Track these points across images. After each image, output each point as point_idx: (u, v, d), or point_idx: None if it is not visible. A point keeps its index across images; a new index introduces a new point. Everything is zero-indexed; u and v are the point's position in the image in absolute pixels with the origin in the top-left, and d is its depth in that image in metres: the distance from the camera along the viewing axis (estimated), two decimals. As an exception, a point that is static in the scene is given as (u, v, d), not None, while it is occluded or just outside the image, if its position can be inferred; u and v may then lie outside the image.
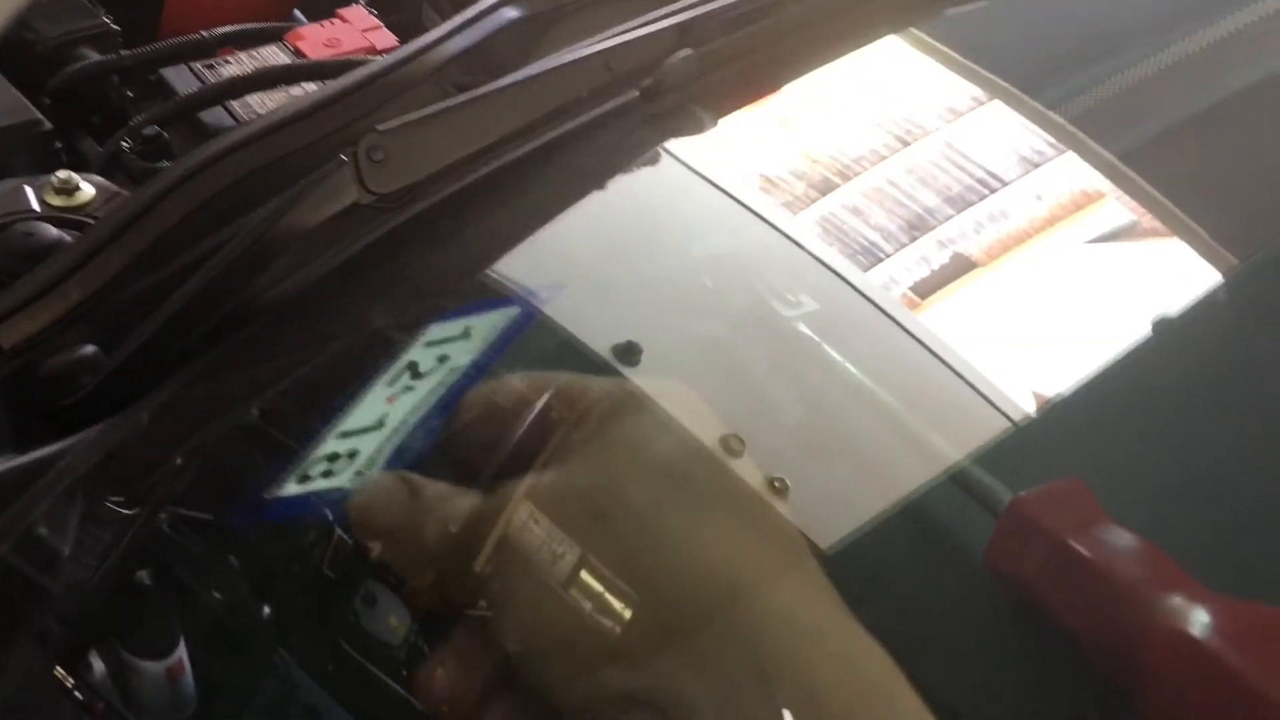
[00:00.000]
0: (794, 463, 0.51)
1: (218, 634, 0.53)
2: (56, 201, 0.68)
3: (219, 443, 0.57)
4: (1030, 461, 0.55)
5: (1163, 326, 0.59)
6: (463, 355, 0.53)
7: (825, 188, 0.69)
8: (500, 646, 0.41)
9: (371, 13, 0.92)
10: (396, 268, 0.62)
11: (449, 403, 0.50)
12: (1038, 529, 0.52)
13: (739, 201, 0.67)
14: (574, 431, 0.43)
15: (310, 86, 0.84)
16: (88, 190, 0.69)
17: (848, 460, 0.55)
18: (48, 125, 0.80)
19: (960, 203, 0.68)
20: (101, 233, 0.61)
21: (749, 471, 0.46)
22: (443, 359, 0.52)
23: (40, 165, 0.77)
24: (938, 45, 0.78)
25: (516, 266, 0.61)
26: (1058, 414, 0.55)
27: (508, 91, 0.63)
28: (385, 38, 0.90)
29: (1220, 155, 0.72)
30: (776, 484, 0.48)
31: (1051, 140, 0.72)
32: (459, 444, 0.46)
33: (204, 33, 0.88)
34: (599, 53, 0.65)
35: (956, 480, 0.53)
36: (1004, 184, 0.69)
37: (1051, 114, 0.73)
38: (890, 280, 0.62)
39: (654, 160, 0.68)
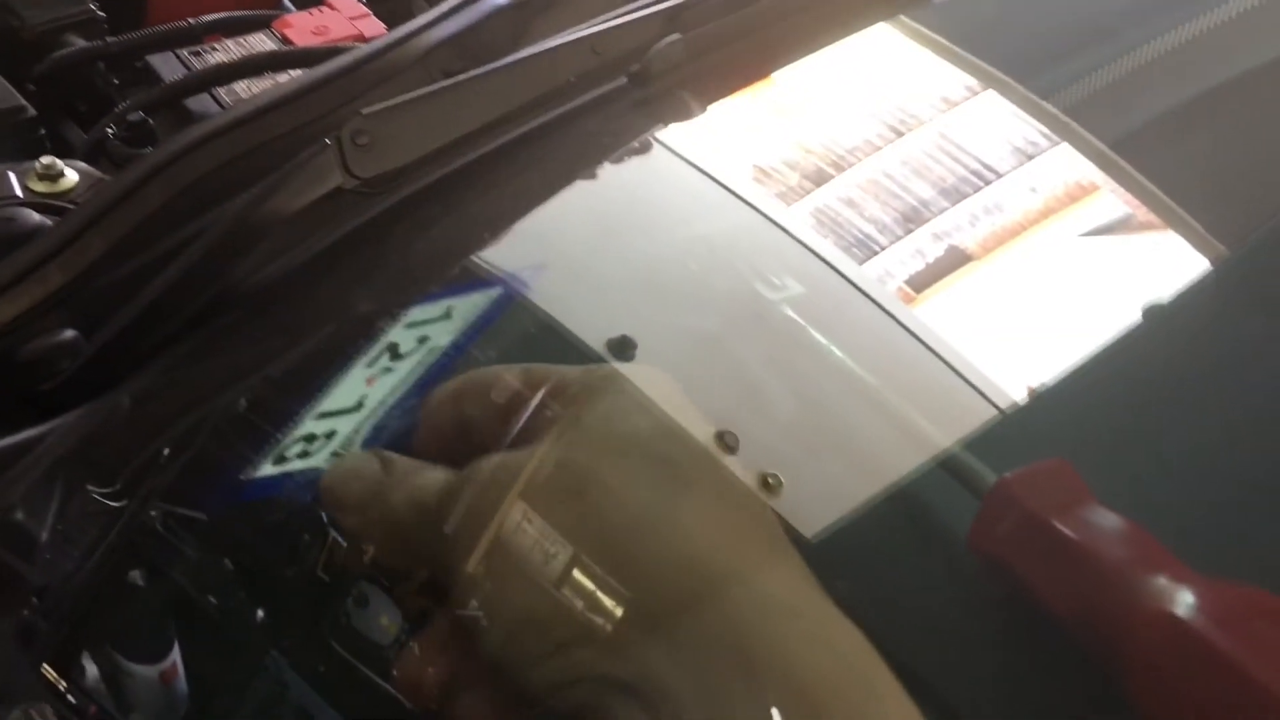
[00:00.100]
0: (788, 458, 0.51)
1: (211, 637, 0.53)
2: (39, 187, 0.68)
3: (199, 427, 0.56)
4: (1020, 446, 0.55)
5: (1153, 313, 0.59)
6: (443, 336, 0.52)
7: (819, 179, 0.68)
8: (475, 630, 0.41)
9: (360, 0, 0.92)
10: (380, 253, 0.61)
11: (427, 383, 0.50)
12: (1022, 509, 0.51)
13: (733, 193, 0.66)
14: (549, 412, 0.43)
15: (297, 74, 0.83)
16: (71, 176, 0.69)
17: (842, 455, 0.55)
18: (32, 112, 0.79)
19: (955, 195, 0.67)
20: (82, 217, 0.60)
21: (743, 467, 0.46)
22: (423, 340, 0.52)
23: (25, 151, 0.76)
24: (931, 35, 0.78)
25: (503, 253, 0.60)
26: (1048, 399, 0.55)
27: (493, 76, 0.62)
28: (374, 25, 0.89)
29: (1213, 144, 0.72)
30: (770, 480, 0.47)
31: (1046, 131, 0.71)
32: (433, 432, 0.46)
33: (190, 20, 0.87)
34: (585, 37, 0.65)
35: (945, 466, 0.53)
36: (999, 176, 0.69)
37: (1045, 104, 0.72)
38: (885, 274, 0.62)
39: (647, 150, 0.68)
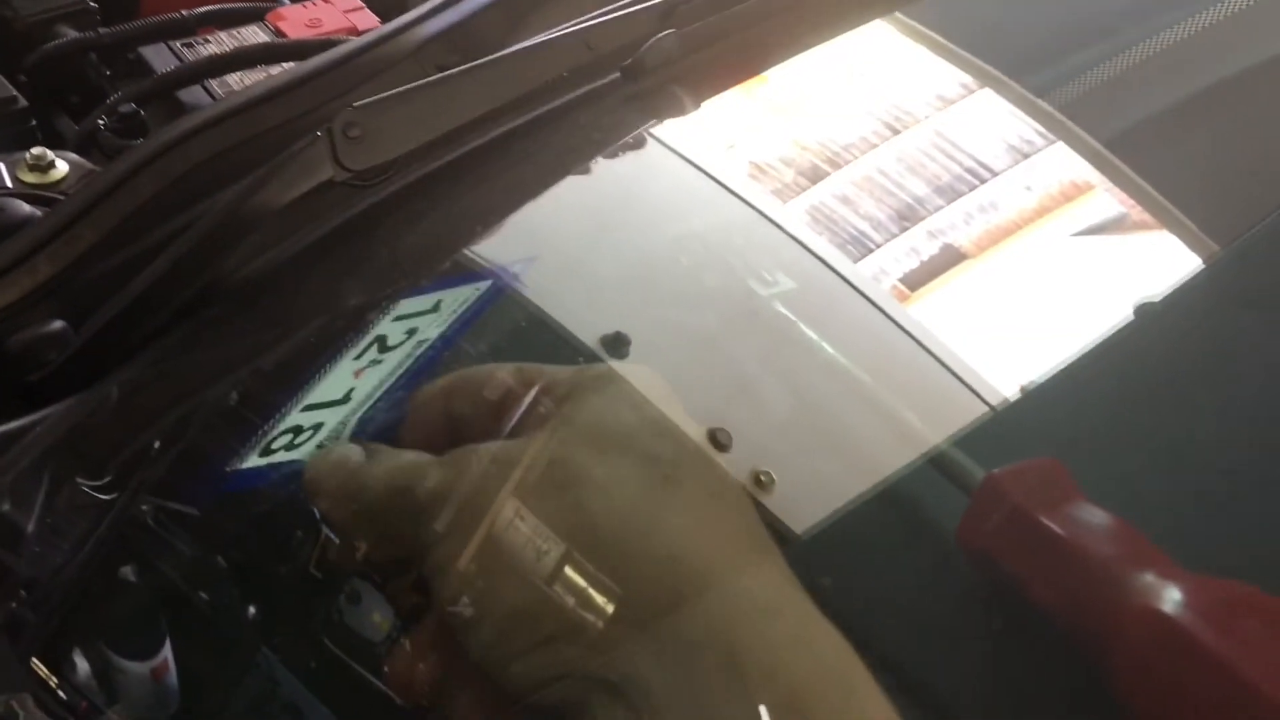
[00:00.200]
0: (781, 455, 0.51)
1: (203, 633, 0.53)
2: (30, 178, 0.68)
3: (187, 419, 0.56)
4: (1011, 444, 0.55)
5: (1145, 310, 0.59)
6: (431, 328, 0.52)
7: (815, 176, 0.68)
8: (459, 624, 0.41)
9: (354, -7, 0.92)
10: (371, 246, 0.61)
11: (415, 376, 0.50)
12: (1011, 506, 0.51)
13: (728, 189, 0.66)
14: (538, 409, 0.43)
15: (290, 66, 0.83)
16: (62, 167, 0.68)
17: (836, 453, 0.55)
18: (23, 102, 0.79)
19: (950, 193, 0.67)
20: (72, 208, 0.60)
21: (734, 464, 0.46)
22: (411, 332, 0.52)
23: (16, 142, 0.76)
24: (927, 32, 0.78)
25: (494, 247, 0.60)
26: (1039, 396, 0.55)
27: (486, 70, 0.62)
28: (367, 18, 0.89)
29: (1207, 143, 0.72)
30: (762, 477, 0.47)
31: (1041, 130, 0.71)
32: (420, 427, 0.46)
33: (183, 11, 0.87)
34: (579, 31, 0.65)
35: (935, 463, 0.53)
36: (994, 174, 0.69)
37: (1041, 102, 0.72)
38: (880, 271, 0.62)
39: (642, 146, 0.68)
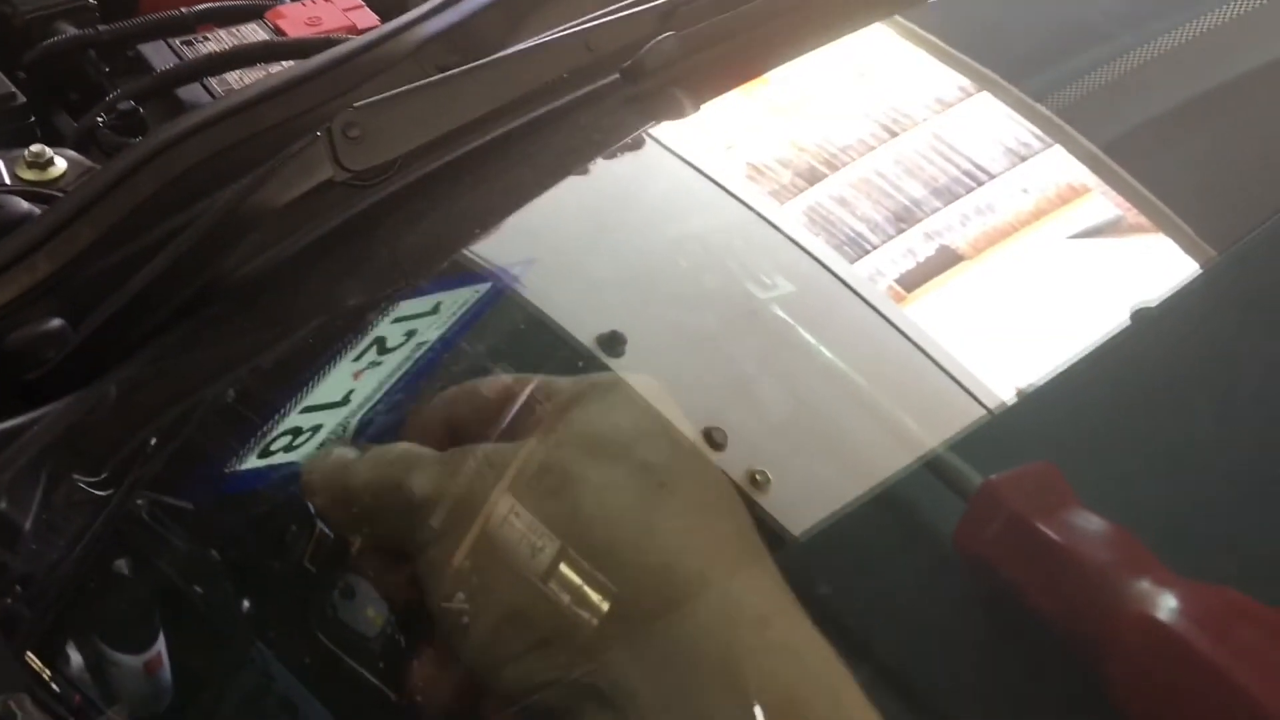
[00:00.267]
0: (777, 455, 0.51)
1: (197, 627, 0.53)
2: (28, 175, 0.68)
3: (185, 418, 0.56)
4: (1008, 449, 0.55)
5: (1141, 315, 0.59)
6: (431, 330, 0.52)
7: (813, 177, 0.68)
8: (450, 626, 0.41)
9: (352, -9, 0.92)
10: (370, 246, 0.61)
11: (414, 378, 0.50)
12: (1007, 511, 0.51)
13: (725, 190, 0.66)
14: (537, 415, 0.43)
15: (290, 65, 0.83)
16: (60, 165, 0.69)
17: (831, 453, 0.55)
18: (22, 99, 0.79)
19: (947, 195, 0.67)
20: (71, 206, 0.60)
21: (730, 463, 0.46)
22: (410, 334, 0.52)
23: (14, 139, 0.76)
24: (926, 35, 0.78)
25: (493, 246, 0.60)
26: (1035, 401, 0.55)
27: (486, 71, 0.62)
28: (367, 17, 0.89)
29: (1205, 148, 0.72)
30: (758, 477, 0.47)
31: (1039, 133, 0.71)
32: (419, 432, 0.46)
33: (182, 9, 0.87)
34: (579, 32, 0.65)
35: (931, 466, 0.53)
36: (991, 177, 0.69)
37: (1039, 106, 0.72)
38: (876, 272, 0.62)
39: (638, 144, 0.68)
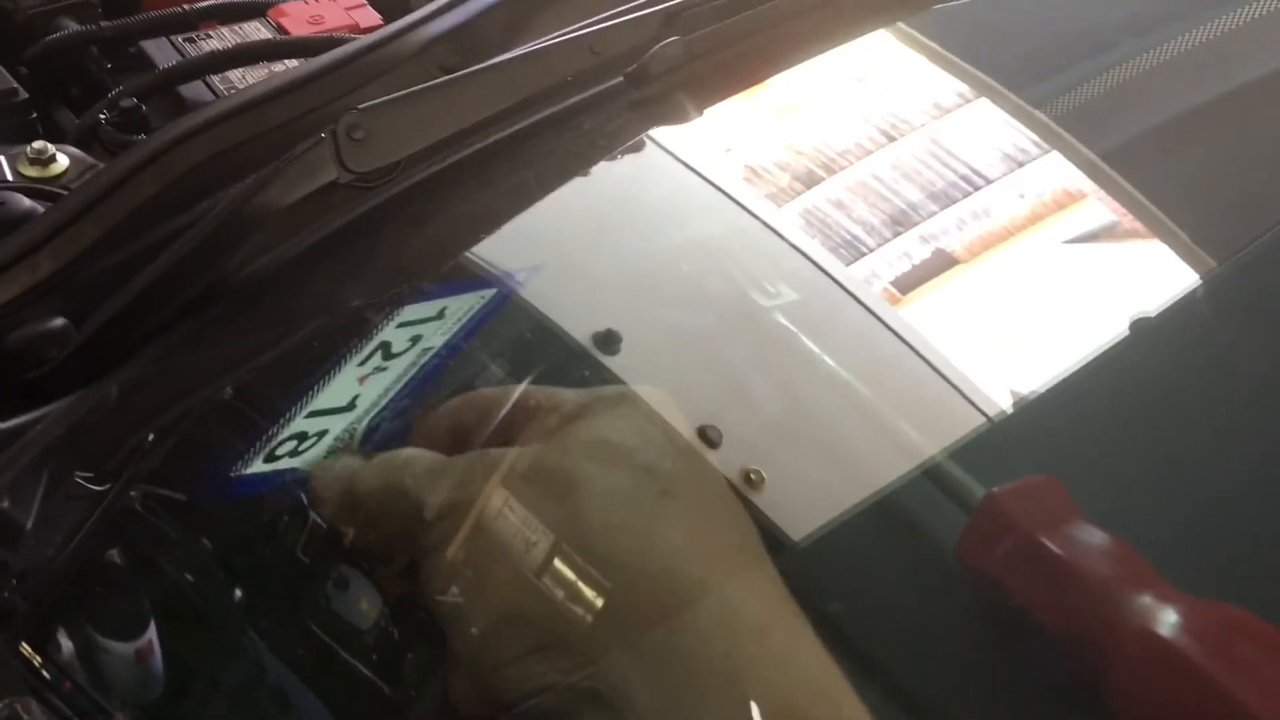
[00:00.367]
0: (772, 454, 0.51)
1: (188, 616, 0.53)
2: (30, 172, 0.68)
3: (188, 419, 0.56)
4: (1006, 458, 0.55)
5: (1140, 326, 0.59)
6: (436, 336, 0.52)
7: (810, 180, 0.68)
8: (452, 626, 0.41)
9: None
10: (373, 248, 0.61)
11: (420, 384, 0.50)
12: (1010, 524, 0.52)
13: (723, 191, 0.66)
14: (545, 424, 0.43)
15: (292, 63, 0.83)
16: (62, 161, 0.68)
17: (825, 453, 0.55)
18: (24, 95, 0.79)
19: (944, 199, 0.67)
20: (74, 204, 0.60)
21: (725, 462, 0.46)
22: (416, 340, 0.52)
23: (16, 135, 0.76)
24: (927, 41, 0.78)
25: (498, 251, 0.60)
26: (1034, 411, 0.55)
27: (490, 73, 0.62)
28: (369, 16, 0.89)
29: (1203, 157, 0.72)
30: (752, 475, 0.47)
31: (1036, 139, 0.71)
32: (425, 441, 0.46)
33: (185, 6, 0.87)
34: (583, 36, 0.65)
35: (931, 475, 0.53)
36: (988, 181, 0.69)
37: (1038, 113, 0.73)
38: (872, 275, 0.62)
39: (639, 148, 0.68)
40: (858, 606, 0.49)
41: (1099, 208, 0.68)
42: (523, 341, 0.56)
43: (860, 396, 0.57)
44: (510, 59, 0.63)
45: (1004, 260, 0.65)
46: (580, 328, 0.54)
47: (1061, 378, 0.56)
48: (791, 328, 0.59)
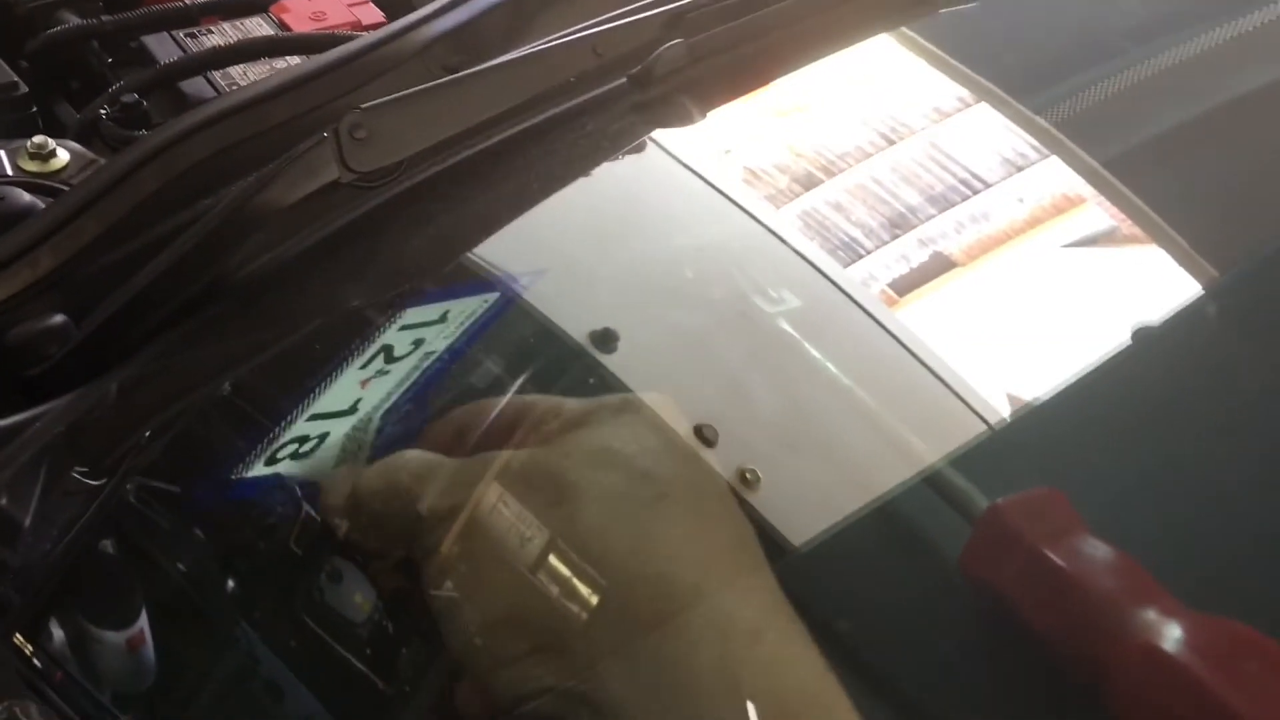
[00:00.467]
0: (768, 455, 0.51)
1: (180, 606, 0.53)
2: (30, 167, 0.67)
3: (187, 418, 0.56)
4: (1007, 467, 0.55)
5: (1143, 335, 0.59)
6: (439, 340, 0.52)
7: (809, 183, 0.68)
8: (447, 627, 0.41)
9: (359, -13, 0.91)
10: (375, 248, 0.61)
11: (423, 388, 0.50)
12: (1014, 536, 0.52)
13: (722, 193, 0.67)
14: (544, 431, 0.43)
15: (294, 60, 0.83)
16: (63, 156, 0.68)
17: (821, 455, 0.55)
18: (24, 89, 0.79)
19: (942, 202, 0.67)
20: (75, 200, 0.60)
21: (720, 462, 0.46)
22: (418, 343, 0.52)
23: (16, 129, 0.76)
24: (928, 45, 0.78)
25: (498, 251, 0.60)
26: (1036, 419, 0.55)
27: (493, 74, 0.62)
28: (371, 13, 0.89)
29: (1204, 165, 0.72)
30: (748, 475, 0.48)
31: (1036, 144, 0.71)
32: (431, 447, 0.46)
33: (186, 1, 0.87)
34: (586, 37, 0.65)
35: (931, 483, 0.53)
36: (987, 185, 0.69)
37: (1037, 118, 0.73)
38: (869, 277, 0.62)
39: (639, 149, 0.68)
40: (853, 612, 0.50)
41: (1097, 213, 0.68)
42: (525, 346, 0.56)
43: (856, 398, 0.57)
44: (513, 59, 0.63)
45: (1001, 264, 0.65)
46: (579, 327, 0.54)
47: (1063, 387, 0.57)
48: (789, 329, 0.59)
